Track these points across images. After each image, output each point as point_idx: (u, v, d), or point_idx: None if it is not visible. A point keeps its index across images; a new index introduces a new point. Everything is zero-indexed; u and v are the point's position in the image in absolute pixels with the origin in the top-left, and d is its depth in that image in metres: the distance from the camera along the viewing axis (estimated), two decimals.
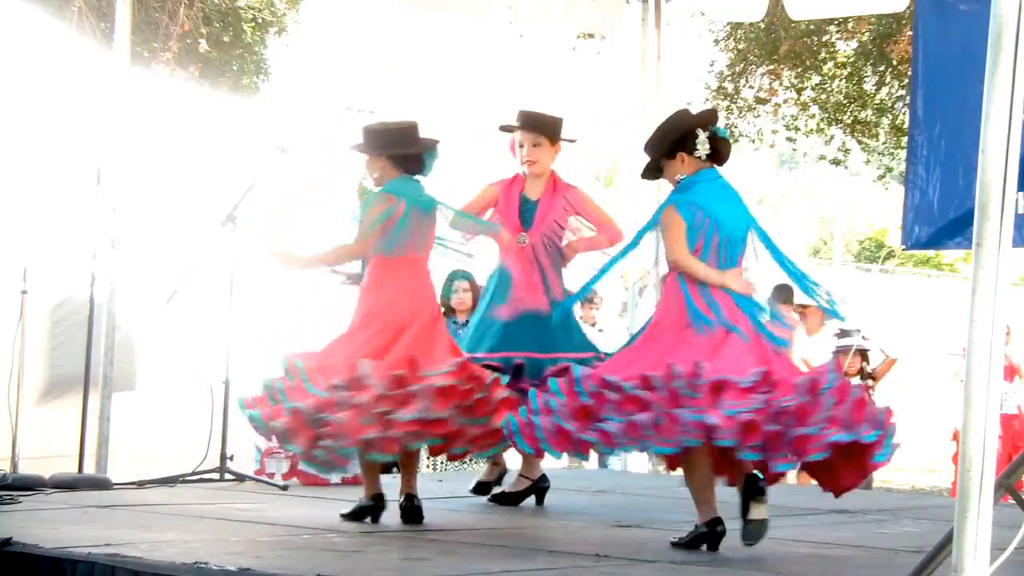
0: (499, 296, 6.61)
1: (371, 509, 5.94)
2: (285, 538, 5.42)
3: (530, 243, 6.62)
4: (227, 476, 7.38)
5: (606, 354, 6.21)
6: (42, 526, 5.32)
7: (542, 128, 6.70)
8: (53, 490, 6.77)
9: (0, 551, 4.66)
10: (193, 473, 7.30)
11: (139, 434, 7.90)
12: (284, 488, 7.06)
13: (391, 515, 5.93)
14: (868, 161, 19.59)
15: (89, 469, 7.33)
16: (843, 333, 10.59)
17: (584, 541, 5.53)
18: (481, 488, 6.85)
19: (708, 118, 5.63)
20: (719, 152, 5.54)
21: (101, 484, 7.07)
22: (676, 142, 5.53)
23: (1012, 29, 3.57)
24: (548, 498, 6.86)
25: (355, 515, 5.95)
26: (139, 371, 8.29)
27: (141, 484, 7.16)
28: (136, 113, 7.89)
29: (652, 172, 5.69)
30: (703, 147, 5.50)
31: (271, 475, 7.13)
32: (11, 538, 4.72)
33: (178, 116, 8.65)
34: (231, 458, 7.37)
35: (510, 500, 6.79)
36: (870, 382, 10.40)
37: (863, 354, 10.43)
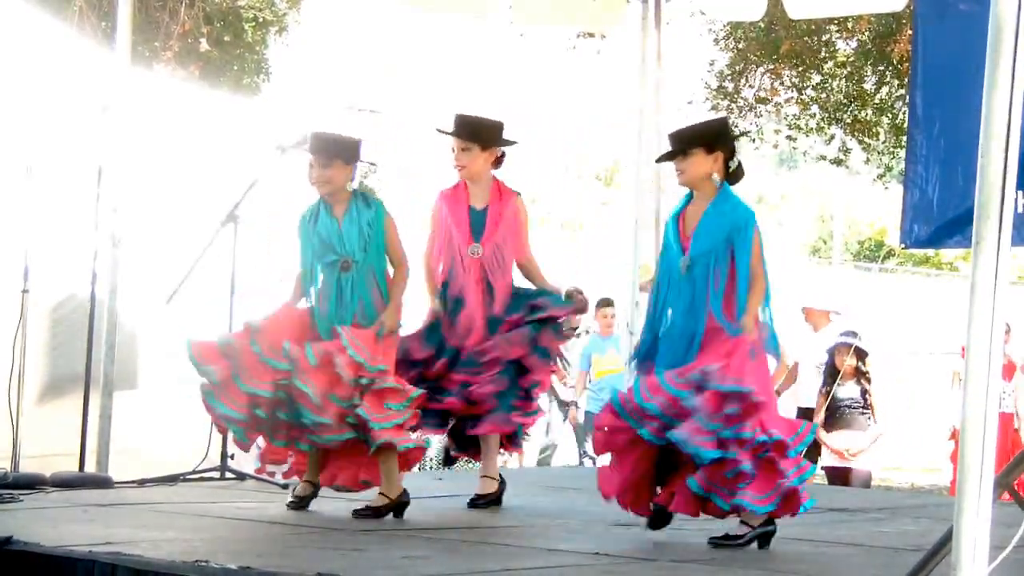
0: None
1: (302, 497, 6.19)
2: (286, 536, 5.43)
3: (482, 254, 6.45)
4: (228, 475, 7.38)
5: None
6: (43, 525, 5.32)
7: (469, 133, 6.49)
8: (54, 489, 6.76)
9: (1, 550, 4.66)
10: (194, 472, 7.30)
11: (140, 433, 7.90)
12: (285, 487, 7.05)
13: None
14: (868, 160, 19.59)
15: (90, 468, 7.34)
16: (847, 333, 10.53)
17: (584, 540, 5.54)
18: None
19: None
20: (737, 174, 5.56)
21: (102, 483, 7.07)
22: (724, 139, 5.54)
23: (1012, 29, 3.57)
24: (548, 498, 6.86)
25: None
26: (140, 370, 8.29)
27: (142, 483, 7.17)
28: (137, 112, 7.89)
29: (670, 156, 5.59)
30: (736, 160, 5.52)
31: (272, 474, 7.13)
32: (12, 537, 4.72)
33: (179, 116, 8.64)
34: (232, 457, 7.38)
35: (490, 502, 6.59)
36: (864, 383, 10.36)
37: (860, 354, 10.39)
